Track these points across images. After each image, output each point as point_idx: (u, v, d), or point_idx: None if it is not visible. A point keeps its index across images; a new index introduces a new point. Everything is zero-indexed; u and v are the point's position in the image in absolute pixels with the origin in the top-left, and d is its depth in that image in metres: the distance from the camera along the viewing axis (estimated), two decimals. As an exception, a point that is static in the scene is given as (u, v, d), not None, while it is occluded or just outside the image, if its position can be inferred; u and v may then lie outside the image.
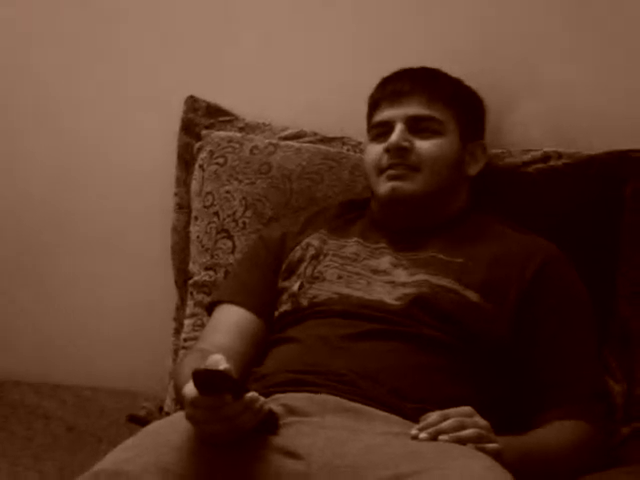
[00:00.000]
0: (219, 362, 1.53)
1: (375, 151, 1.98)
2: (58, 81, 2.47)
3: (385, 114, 1.99)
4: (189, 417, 1.55)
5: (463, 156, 1.99)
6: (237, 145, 2.24)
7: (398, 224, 1.97)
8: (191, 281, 2.22)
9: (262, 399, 1.56)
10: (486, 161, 2.04)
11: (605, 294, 1.99)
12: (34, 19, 2.47)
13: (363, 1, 2.27)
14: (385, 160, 1.95)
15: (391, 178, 1.94)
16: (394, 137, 1.94)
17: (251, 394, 1.54)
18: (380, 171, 1.96)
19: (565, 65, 2.16)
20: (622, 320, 1.99)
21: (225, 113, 2.33)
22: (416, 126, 1.96)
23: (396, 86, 2.00)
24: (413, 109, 1.96)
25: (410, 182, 1.93)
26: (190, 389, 1.52)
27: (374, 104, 2.03)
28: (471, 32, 2.19)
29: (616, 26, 2.14)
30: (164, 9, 2.39)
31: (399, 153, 1.94)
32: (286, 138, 2.25)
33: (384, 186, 1.94)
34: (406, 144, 1.94)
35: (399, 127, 1.95)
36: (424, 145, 1.94)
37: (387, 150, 1.95)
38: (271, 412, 1.60)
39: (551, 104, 2.16)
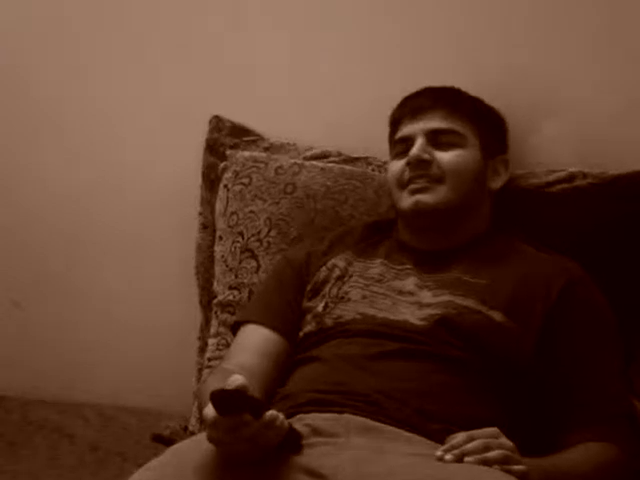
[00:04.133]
0: (236, 382, 1.52)
1: (397, 166, 1.98)
2: (84, 101, 2.49)
3: (406, 130, 2.00)
4: (211, 438, 1.54)
5: (485, 170, 1.99)
6: (262, 165, 2.24)
7: (423, 241, 1.96)
8: (215, 300, 2.22)
9: (282, 416, 1.55)
10: (509, 176, 2.04)
11: (631, 314, 1.97)
12: (61, 40, 2.50)
13: (389, 22, 2.27)
14: (407, 174, 1.95)
15: (414, 192, 1.94)
16: (414, 150, 1.95)
17: (271, 412, 1.53)
18: (402, 186, 1.96)
19: (588, 84, 2.16)
20: (648, 340, 1.98)
21: (250, 133, 2.33)
22: (437, 139, 1.96)
23: (416, 102, 2.01)
24: (433, 123, 1.97)
25: (433, 194, 1.93)
26: (210, 410, 1.52)
27: (395, 122, 2.04)
28: (496, 54, 2.19)
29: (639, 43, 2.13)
30: (190, 29, 2.40)
31: (420, 165, 1.94)
32: (311, 158, 2.25)
33: (407, 200, 1.95)
34: (427, 156, 1.94)
35: (419, 141, 1.96)
36: (445, 156, 1.95)
37: (408, 163, 1.95)
38: (292, 429, 1.60)
39: (575, 124, 2.15)
